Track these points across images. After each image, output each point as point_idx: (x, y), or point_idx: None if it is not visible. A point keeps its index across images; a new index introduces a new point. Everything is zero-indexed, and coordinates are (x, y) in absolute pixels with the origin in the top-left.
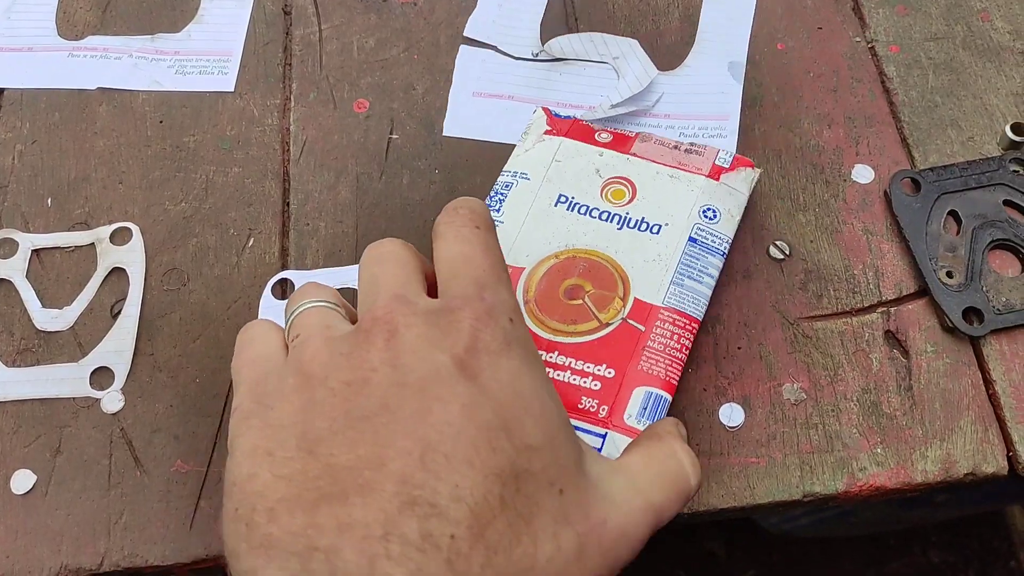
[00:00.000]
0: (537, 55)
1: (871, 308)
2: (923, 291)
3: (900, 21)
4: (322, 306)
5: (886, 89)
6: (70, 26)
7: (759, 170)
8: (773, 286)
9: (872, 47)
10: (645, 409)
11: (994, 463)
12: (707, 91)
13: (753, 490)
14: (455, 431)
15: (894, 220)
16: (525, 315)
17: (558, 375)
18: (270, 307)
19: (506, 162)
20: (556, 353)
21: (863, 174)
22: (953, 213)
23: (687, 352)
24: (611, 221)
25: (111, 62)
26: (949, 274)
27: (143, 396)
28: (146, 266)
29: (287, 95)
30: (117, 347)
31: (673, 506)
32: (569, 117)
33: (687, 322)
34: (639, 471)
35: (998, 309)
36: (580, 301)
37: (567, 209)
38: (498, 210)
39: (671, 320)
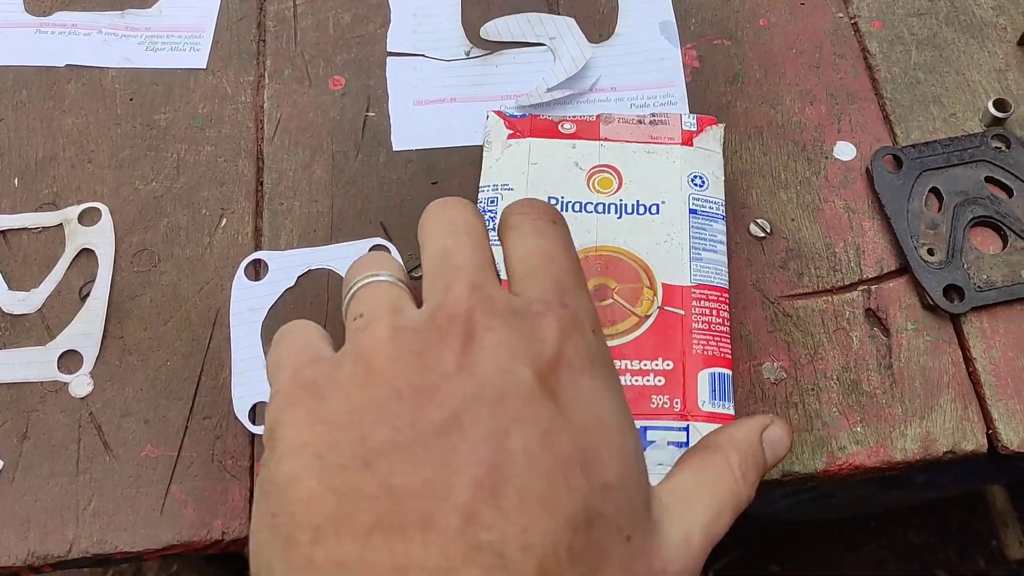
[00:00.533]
0: (469, 53)
1: (852, 286)
2: (904, 269)
3: None
4: (389, 282)
5: (868, 65)
6: (38, 2)
7: (723, 125)
8: (754, 264)
9: (855, 23)
10: (715, 391)
11: (974, 441)
12: (646, 58)
13: None
14: (531, 461)
15: (876, 197)
16: None
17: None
18: (243, 288)
19: (479, 175)
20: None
21: (845, 151)
22: (935, 190)
23: (728, 324)
24: (608, 212)
25: (80, 39)
26: (930, 251)
27: (112, 380)
28: (115, 247)
29: (261, 72)
30: (85, 330)
31: (726, 527)
32: (524, 116)
33: (719, 294)
34: (695, 497)
35: (979, 286)
36: (610, 301)
37: (561, 211)
38: (493, 228)
39: (704, 296)
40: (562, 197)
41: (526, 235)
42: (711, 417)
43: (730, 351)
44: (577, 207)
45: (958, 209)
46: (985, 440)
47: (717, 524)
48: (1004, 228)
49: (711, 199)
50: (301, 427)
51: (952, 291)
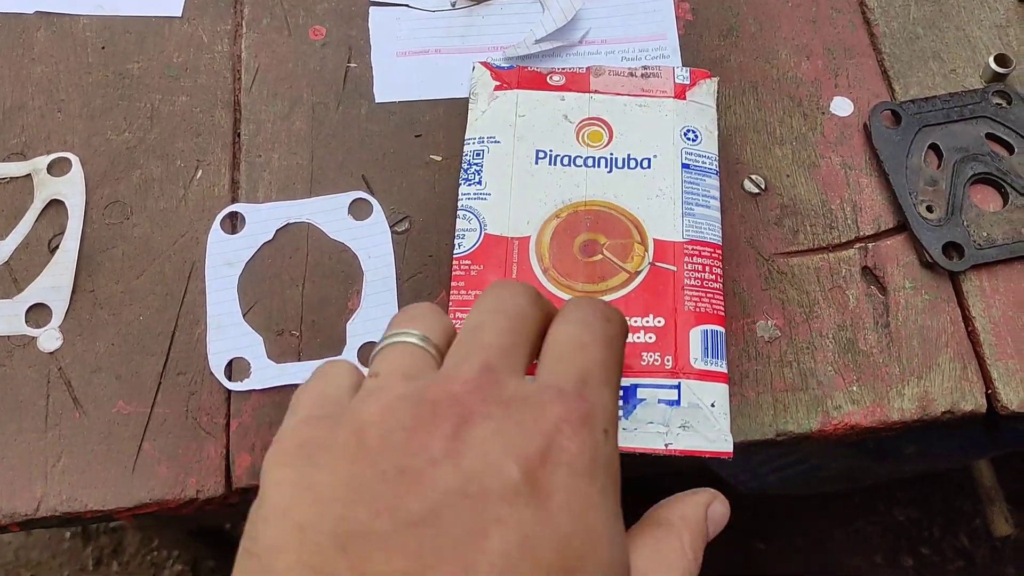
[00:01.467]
0: (455, 3)
1: (848, 244)
2: (902, 226)
3: None
4: (415, 345)
5: (866, 20)
6: None
7: (716, 78)
8: (748, 221)
9: None
10: (708, 348)
11: (972, 401)
12: (638, 10)
13: None
14: (508, 567)
15: (873, 153)
16: (547, 283)
17: None
18: (219, 241)
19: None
20: None
21: (842, 107)
22: (934, 147)
23: (721, 280)
24: (599, 165)
25: None
26: (929, 208)
27: (83, 334)
28: (86, 199)
29: (239, 20)
30: (55, 283)
31: None
32: (512, 67)
33: (712, 250)
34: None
35: (979, 244)
36: (600, 256)
37: (550, 164)
38: (479, 182)
39: (697, 252)
40: (551, 150)
41: (570, 323)
42: (703, 375)
43: (723, 308)
44: (566, 160)
45: (958, 166)
46: (984, 400)
47: None
48: (1005, 185)
49: (704, 153)
50: (287, 491)
51: (951, 249)
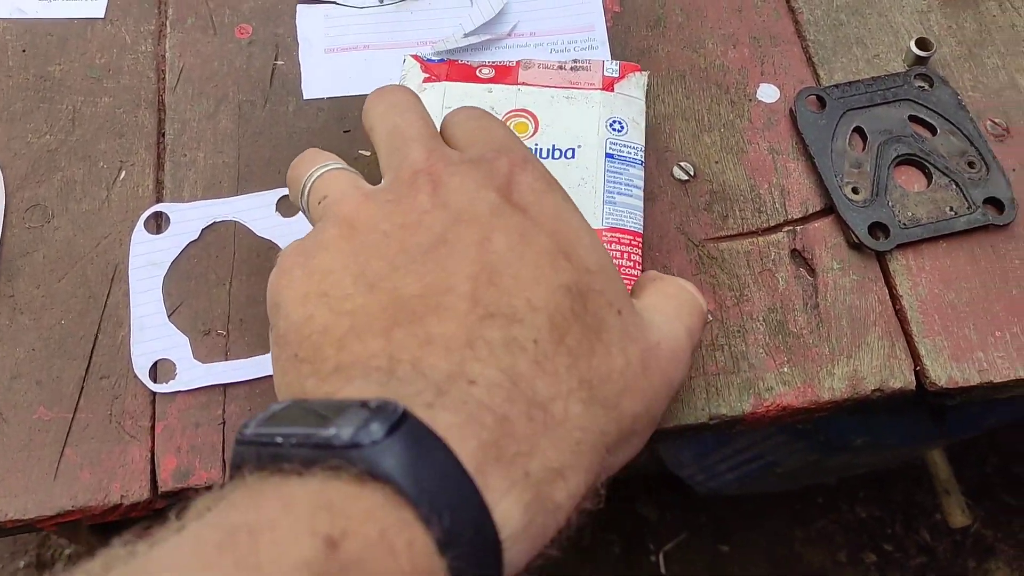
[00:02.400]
0: (383, 0)
1: (777, 227)
2: (829, 208)
3: None
4: (343, 168)
5: (791, 8)
6: None
7: (647, 72)
8: (677, 207)
9: None
10: None
11: (901, 378)
12: (566, 2)
13: None
14: (518, 255)
15: (800, 138)
16: None
17: None
18: (143, 242)
19: None
20: None
21: (768, 93)
22: (859, 130)
23: (641, 267)
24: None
25: None
26: (855, 190)
27: (2, 340)
28: (6, 202)
29: (163, 21)
30: None
31: (700, 328)
32: (442, 60)
33: (632, 238)
34: (665, 304)
35: (904, 224)
36: None
37: None
38: None
39: (616, 240)
40: None
41: (463, 121)
42: None
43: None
44: None
45: (882, 148)
46: (913, 377)
47: (690, 319)
48: (928, 166)
49: (629, 144)
50: (298, 283)
51: (877, 229)
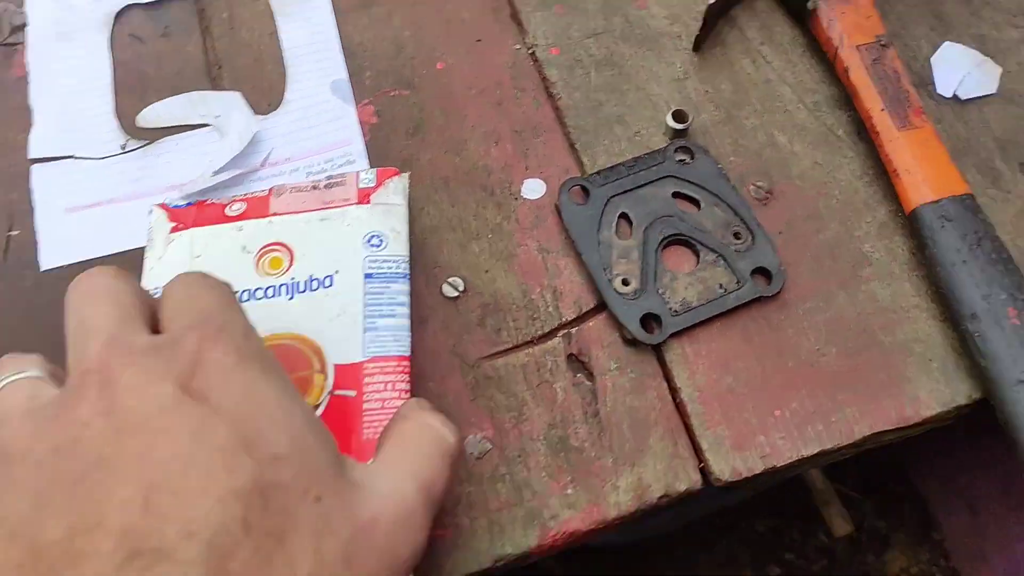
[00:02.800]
0: (124, 146)
1: (552, 333)
2: (602, 304)
3: (558, 21)
4: (24, 378)
5: (550, 95)
6: None
7: (407, 174)
8: (449, 327)
9: (533, 52)
10: None
11: (687, 479)
12: (320, 120)
13: (441, 569)
14: (184, 463)
15: (567, 234)
16: None
17: None
18: None
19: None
20: None
21: (534, 189)
22: (625, 215)
23: (408, 393)
24: (279, 294)
25: None
26: (625, 282)
27: None
28: None
29: None
30: None
31: (442, 473)
32: (190, 204)
33: (396, 363)
34: (399, 457)
35: (675, 310)
36: None
37: None
38: None
39: (379, 370)
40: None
41: (173, 293)
42: None
43: None
44: (245, 296)
45: (648, 232)
46: (698, 475)
47: (427, 470)
48: (695, 243)
49: (391, 258)
50: None
51: (650, 320)
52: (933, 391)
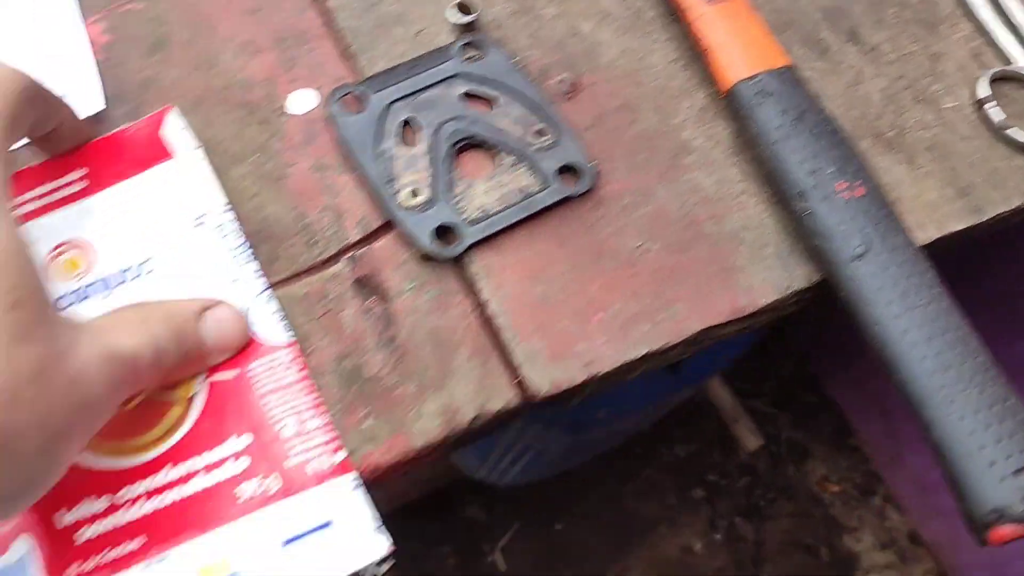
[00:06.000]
0: None
1: (336, 257)
2: (390, 222)
3: None
4: None
5: None
6: None
7: (174, 106)
8: None
9: None
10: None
11: (501, 397)
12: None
13: None
14: None
15: (346, 147)
16: (90, 456)
17: (191, 488)
18: None
19: None
20: (168, 467)
21: (303, 102)
22: (408, 122)
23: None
24: (89, 297)
25: None
26: (414, 192)
27: None
28: None
29: None
30: None
31: (140, 352)
32: None
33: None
34: (107, 325)
35: (473, 219)
36: (136, 401)
37: None
38: None
39: (254, 345)
40: None
41: None
42: (316, 477)
43: (314, 389)
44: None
45: (436, 137)
46: (514, 391)
47: (125, 348)
48: (491, 146)
49: (219, 220)
50: None
51: (445, 232)
52: (768, 279)
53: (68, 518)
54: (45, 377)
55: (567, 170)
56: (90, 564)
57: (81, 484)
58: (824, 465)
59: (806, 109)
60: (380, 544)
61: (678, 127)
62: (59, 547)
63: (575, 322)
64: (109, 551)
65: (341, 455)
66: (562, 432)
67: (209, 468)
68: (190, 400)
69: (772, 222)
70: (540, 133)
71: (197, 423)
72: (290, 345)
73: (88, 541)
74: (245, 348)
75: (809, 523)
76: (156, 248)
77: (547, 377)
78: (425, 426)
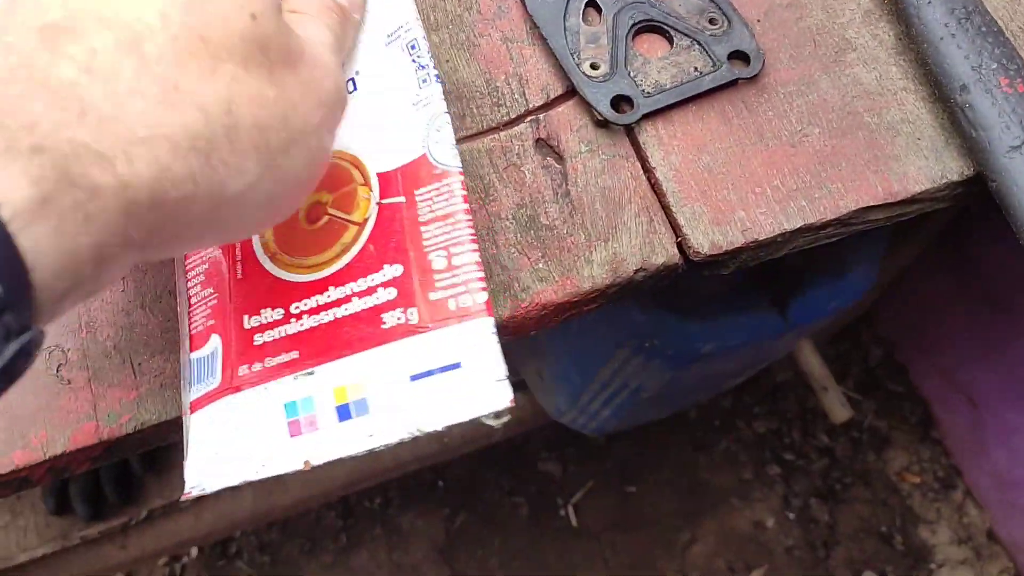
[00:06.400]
0: None
1: (519, 119)
2: (571, 91)
3: None
4: None
5: None
6: None
7: None
8: None
9: None
10: (458, 278)
11: (663, 253)
12: None
13: None
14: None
15: (533, 22)
16: (278, 270)
17: (346, 310)
18: None
19: None
20: (331, 288)
21: None
22: (592, 3)
23: (465, 195)
24: None
25: None
26: (594, 66)
27: None
28: None
29: None
30: None
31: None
32: None
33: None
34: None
35: (647, 92)
36: (325, 219)
37: None
38: None
39: (426, 172)
40: None
41: None
42: (456, 315)
43: (471, 225)
44: None
45: (618, 18)
46: (676, 250)
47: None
48: (667, 29)
49: (410, 38)
50: None
51: (621, 102)
52: (922, 168)
53: (251, 322)
54: (299, 63)
55: (737, 56)
56: (256, 367)
57: (266, 293)
58: (905, 455)
59: (972, 10)
60: (502, 395)
61: (844, 25)
62: (240, 346)
63: (736, 192)
64: (272, 358)
65: (484, 296)
66: (663, 365)
67: (362, 294)
68: (363, 224)
69: (929, 118)
70: (713, 21)
71: (363, 248)
72: (460, 174)
73: (260, 346)
74: (418, 171)
75: (885, 511)
76: (359, 72)
77: (707, 238)
78: (593, 272)
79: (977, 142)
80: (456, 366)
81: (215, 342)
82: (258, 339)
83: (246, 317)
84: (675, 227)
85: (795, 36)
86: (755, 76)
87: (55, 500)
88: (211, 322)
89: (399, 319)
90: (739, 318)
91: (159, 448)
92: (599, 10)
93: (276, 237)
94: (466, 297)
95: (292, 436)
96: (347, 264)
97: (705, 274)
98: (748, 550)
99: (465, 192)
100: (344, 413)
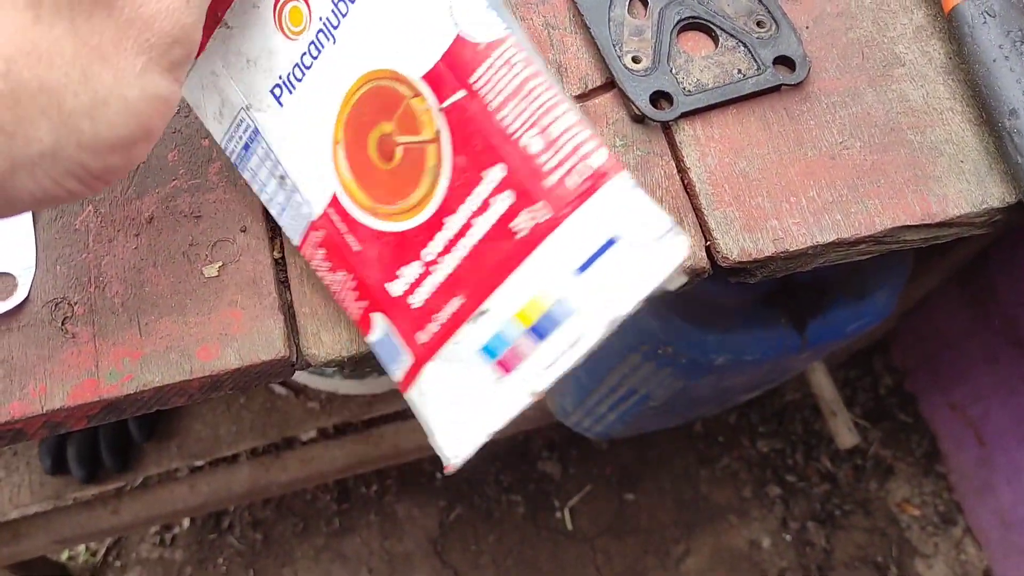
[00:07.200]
0: None
1: None
2: (610, 83)
3: None
4: None
5: None
6: None
7: None
8: None
9: None
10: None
11: (691, 256)
12: None
13: None
14: None
15: (576, 10)
16: (378, 223)
17: (473, 236)
18: None
19: None
20: (448, 220)
21: None
22: None
23: (537, 62)
24: (322, 49)
25: None
26: (635, 59)
27: None
28: None
29: None
30: None
31: None
32: None
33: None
34: None
35: (688, 90)
36: (400, 150)
37: (290, 94)
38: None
39: (474, 52)
40: (280, 80)
41: None
42: (593, 183)
43: (554, 91)
44: (297, 76)
45: (664, 12)
46: (703, 253)
47: None
48: (714, 28)
49: None
50: None
51: (660, 98)
52: (963, 191)
53: (396, 288)
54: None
55: (782, 61)
56: (432, 327)
57: (392, 253)
58: (907, 486)
59: None
60: (679, 244)
61: (894, 40)
62: (402, 315)
63: (770, 200)
64: (439, 314)
65: (604, 153)
66: (675, 374)
67: (478, 212)
68: (438, 139)
69: (975, 141)
70: (760, 24)
71: (454, 164)
72: (508, 37)
73: (419, 308)
74: (461, 55)
75: (882, 541)
76: None
77: (737, 245)
78: None
79: (1023, 169)
80: (612, 241)
81: (379, 322)
82: (413, 301)
83: (388, 286)
84: (705, 230)
85: (843, 46)
86: (800, 83)
87: (52, 460)
88: (363, 303)
89: (531, 220)
90: (756, 333)
91: (160, 415)
92: (645, 3)
93: (364, 190)
94: (581, 166)
95: (506, 374)
96: (448, 188)
97: (731, 280)
98: (741, 568)
99: (525, 53)
100: (539, 333)
